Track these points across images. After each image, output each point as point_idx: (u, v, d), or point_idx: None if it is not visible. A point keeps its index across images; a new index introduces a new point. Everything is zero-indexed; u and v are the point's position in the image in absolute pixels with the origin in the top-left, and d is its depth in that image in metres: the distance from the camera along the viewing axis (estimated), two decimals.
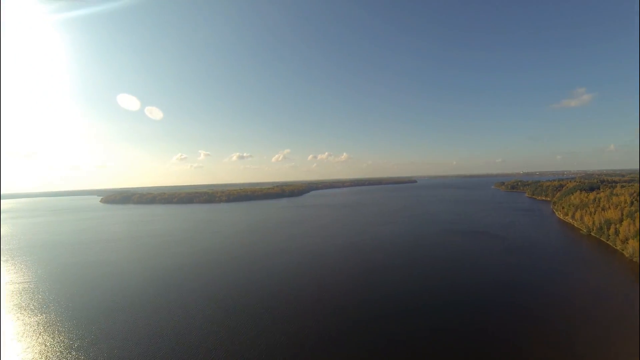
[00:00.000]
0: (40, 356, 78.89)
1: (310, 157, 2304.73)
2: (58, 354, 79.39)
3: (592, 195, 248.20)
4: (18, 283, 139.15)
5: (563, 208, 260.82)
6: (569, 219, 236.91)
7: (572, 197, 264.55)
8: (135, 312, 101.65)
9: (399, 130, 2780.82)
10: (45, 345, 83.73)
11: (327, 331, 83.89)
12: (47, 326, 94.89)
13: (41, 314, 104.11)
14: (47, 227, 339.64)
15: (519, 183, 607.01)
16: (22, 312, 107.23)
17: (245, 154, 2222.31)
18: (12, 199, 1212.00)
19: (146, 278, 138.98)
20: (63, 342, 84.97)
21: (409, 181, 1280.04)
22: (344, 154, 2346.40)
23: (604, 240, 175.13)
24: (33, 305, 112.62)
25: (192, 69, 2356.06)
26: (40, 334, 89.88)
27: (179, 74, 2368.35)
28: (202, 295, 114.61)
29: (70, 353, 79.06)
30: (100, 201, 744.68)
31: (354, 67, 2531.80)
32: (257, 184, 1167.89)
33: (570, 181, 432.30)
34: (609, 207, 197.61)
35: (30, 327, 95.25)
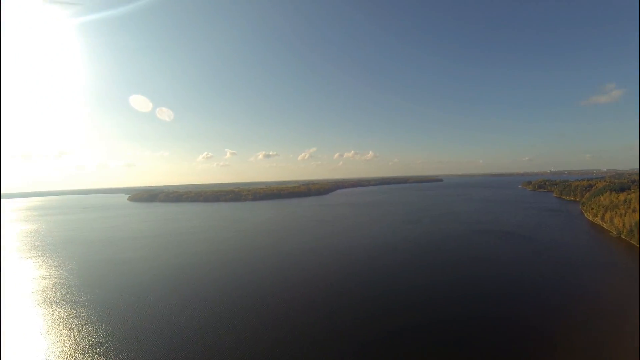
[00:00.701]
0: (70, 349, 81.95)
1: (336, 155, 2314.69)
2: (87, 347, 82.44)
3: (622, 196, 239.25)
4: (49, 278, 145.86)
5: (592, 209, 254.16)
6: (598, 221, 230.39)
7: (602, 198, 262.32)
8: (162, 309, 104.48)
9: (426, 129, 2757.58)
10: (75, 340, 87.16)
11: (354, 333, 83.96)
12: (77, 321, 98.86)
13: (71, 309, 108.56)
14: (76, 224, 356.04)
15: (547, 182, 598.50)
16: (53, 306, 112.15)
17: (271, 153, 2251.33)
18: (43, 196, 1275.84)
19: (173, 275, 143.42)
20: (92, 336, 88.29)
21: (435, 180, 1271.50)
22: (370, 152, 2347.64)
23: (634, 243, 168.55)
24: (63, 300, 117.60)
25: (216, 69, 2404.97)
26: (70, 329, 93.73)
27: (204, 75, 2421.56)
28: (227, 293, 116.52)
29: (98, 348, 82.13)
30: (128, 199, 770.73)
31: (379, 65, 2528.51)
32: (283, 182, 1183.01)
33: (599, 181, 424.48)
34: None
35: (61, 321, 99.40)
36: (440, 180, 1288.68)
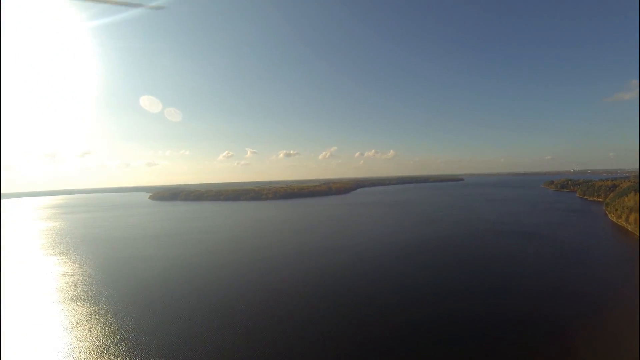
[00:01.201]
0: (92, 345, 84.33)
1: (357, 154, 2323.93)
2: (109, 343, 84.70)
3: None
4: (73, 275, 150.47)
5: (616, 210, 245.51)
6: (622, 222, 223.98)
7: (626, 199, 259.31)
8: (182, 308, 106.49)
9: (446, 127, 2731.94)
10: (97, 335, 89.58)
11: (376, 336, 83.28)
12: (99, 317, 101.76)
13: (94, 305, 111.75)
14: (99, 222, 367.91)
15: (569, 182, 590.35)
16: (77, 303, 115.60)
17: (292, 152, 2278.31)
18: (67, 194, 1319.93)
19: (194, 274, 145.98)
20: (114, 332, 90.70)
21: (456, 179, 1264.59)
22: (391, 151, 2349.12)
23: None
24: (86, 297, 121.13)
25: (236, 69, 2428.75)
26: (92, 325, 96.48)
27: (224, 75, 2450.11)
28: (246, 293, 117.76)
29: (120, 345, 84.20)
30: (149, 198, 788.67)
31: (399, 64, 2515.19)
32: (304, 181, 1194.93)
33: (624, 181, 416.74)
34: None
35: (84, 317, 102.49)
36: (461, 179, 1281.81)
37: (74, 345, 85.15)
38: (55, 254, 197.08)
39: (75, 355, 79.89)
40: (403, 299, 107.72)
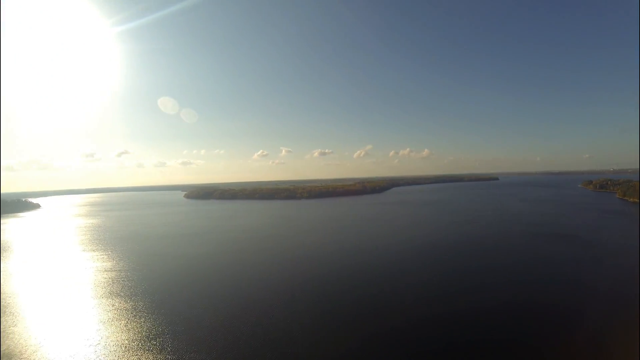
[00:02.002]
0: (128, 339, 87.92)
1: (391, 153, 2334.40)
2: (145, 339, 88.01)
3: None
4: (111, 271, 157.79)
5: None
6: None
7: None
8: (218, 306, 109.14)
9: (481, 125, 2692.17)
10: (134, 330, 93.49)
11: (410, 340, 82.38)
12: (136, 312, 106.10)
13: (131, 301, 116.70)
14: (135, 219, 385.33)
15: (609, 182, 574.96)
16: (114, 298, 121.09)
17: (327, 150, 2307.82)
18: (105, 192, 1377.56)
19: (227, 272, 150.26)
20: (149, 327, 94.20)
21: (491, 178, 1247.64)
22: (425, 149, 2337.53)
23: None
24: (123, 292, 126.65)
25: (270, 68, 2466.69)
26: (129, 319, 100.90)
27: (259, 74, 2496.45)
28: (279, 292, 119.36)
29: (155, 340, 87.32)
30: (184, 196, 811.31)
31: (432, 62, 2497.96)
32: (339, 180, 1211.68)
33: None
34: None
35: (121, 312, 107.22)
36: (496, 178, 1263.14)
37: (111, 339, 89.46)
38: (94, 250, 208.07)
39: (112, 349, 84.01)
40: (434, 304, 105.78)
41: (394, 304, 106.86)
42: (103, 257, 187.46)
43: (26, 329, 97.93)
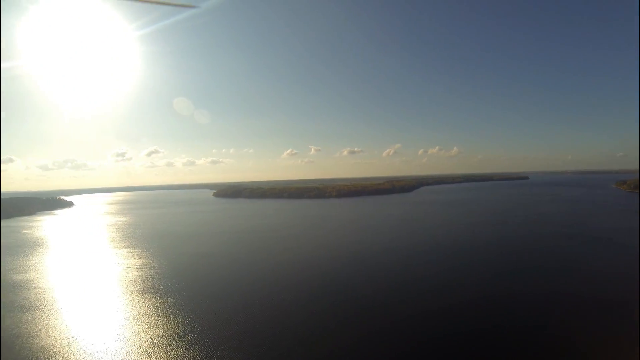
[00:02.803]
0: (158, 336, 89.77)
1: (420, 151, 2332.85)
2: (173, 336, 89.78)
3: None
4: (141, 269, 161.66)
5: None
6: None
7: None
8: (247, 305, 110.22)
9: (511, 122, 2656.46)
10: (163, 327, 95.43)
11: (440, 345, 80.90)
12: (165, 309, 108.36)
13: (161, 298, 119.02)
14: (165, 218, 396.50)
15: None
16: (144, 295, 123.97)
17: (356, 149, 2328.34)
18: (136, 191, 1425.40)
19: (256, 272, 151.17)
20: (179, 325, 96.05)
21: (520, 177, 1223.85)
22: (455, 148, 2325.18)
23: None
24: (154, 290, 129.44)
25: (299, 67, 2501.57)
26: (158, 316, 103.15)
27: (289, 73, 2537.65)
28: (308, 292, 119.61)
29: (183, 338, 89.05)
30: (213, 195, 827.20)
31: (461, 59, 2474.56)
32: (368, 178, 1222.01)
33: None
34: None
35: (151, 309, 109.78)
36: (526, 177, 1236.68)
37: (141, 335, 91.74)
38: (124, 248, 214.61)
39: (142, 345, 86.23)
40: (464, 306, 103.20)
41: (428, 306, 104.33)
42: (133, 255, 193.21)
43: (60, 324, 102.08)
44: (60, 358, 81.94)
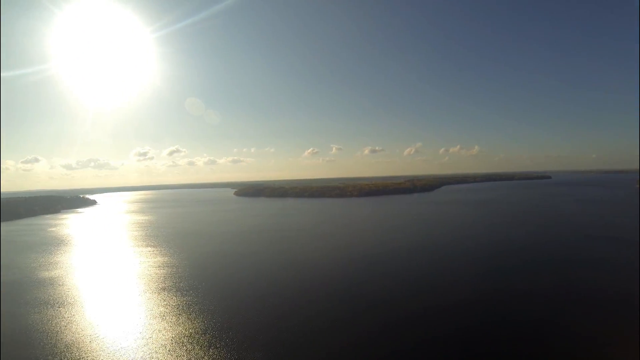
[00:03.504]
0: (178, 334, 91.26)
1: (441, 150, 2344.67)
2: (194, 334, 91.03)
3: None
4: (163, 267, 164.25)
5: None
6: None
7: None
8: (268, 305, 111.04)
9: (533, 120, 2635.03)
10: (184, 325, 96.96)
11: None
12: (186, 308, 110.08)
13: (182, 297, 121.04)
14: (187, 216, 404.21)
15: None
16: (166, 293, 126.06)
17: (377, 148, 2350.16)
18: (157, 190, 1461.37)
19: (278, 271, 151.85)
20: (199, 324, 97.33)
21: (543, 177, 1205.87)
22: (476, 146, 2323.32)
23: None
24: (175, 288, 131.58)
25: (320, 66, 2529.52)
26: (179, 315, 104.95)
27: (309, 72, 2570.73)
28: (326, 293, 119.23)
29: (204, 336, 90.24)
30: (234, 194, 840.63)
31: (483, 57, 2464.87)
32: (389, 177, 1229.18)
33: None
34: None
35: (172, 307, 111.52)
36: (549, 177, 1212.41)
37: (163, 332, 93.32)
38: (146, 246, 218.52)
39: (163, 343, 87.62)
40: (487, 309, 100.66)
41: (449, 307, 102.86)
42: (155, 253, 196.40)
43: (84, 320, 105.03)
44: (84, 354, 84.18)
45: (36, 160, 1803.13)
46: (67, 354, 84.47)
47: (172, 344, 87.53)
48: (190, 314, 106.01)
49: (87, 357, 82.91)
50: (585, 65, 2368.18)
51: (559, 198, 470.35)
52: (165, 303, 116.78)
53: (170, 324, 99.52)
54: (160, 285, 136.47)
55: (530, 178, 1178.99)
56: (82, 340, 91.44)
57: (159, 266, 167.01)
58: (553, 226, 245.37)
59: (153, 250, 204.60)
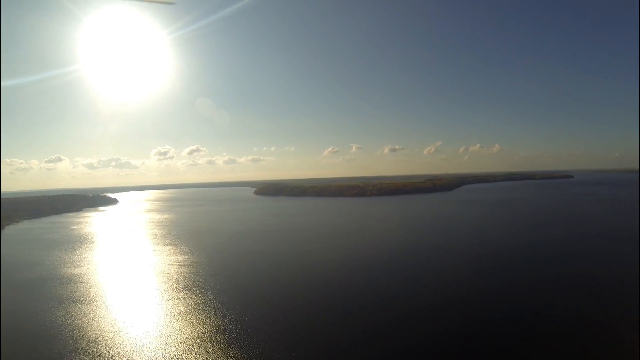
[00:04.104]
0: (197, 334, 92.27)
1: (461, 149, 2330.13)
2: (213, 333, 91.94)
3: None
4: (183, 266, 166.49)
5: None
6: None
7: None
8: (286, 304, 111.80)
9: (555, 118, 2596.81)
10: (202, 324, 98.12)
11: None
12: (205, 307, 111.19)
13: (200, 296, 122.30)
14: (207, 215, 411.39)
15: None
16: (185, 292, 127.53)
17: (397, 147, 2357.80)
18: (177, 188, 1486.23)
19: (298, 271, 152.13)
20: (218, 323, 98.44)
21: (565, 176, 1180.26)
22: (496, 145, 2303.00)
23: None
24: (195, 287, 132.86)
25: (339, 65, 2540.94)
26: (198, 314, 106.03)
27: (328, 71, 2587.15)
28: (347, 295, 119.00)
29: (223, 335, 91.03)
30: (254, 192, 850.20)
31: (500, 55, 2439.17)
32: (408, 176, 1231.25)
33: None
34: None
35: (192, 306, 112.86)
36: (570, 176, 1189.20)
37: (182, 331, 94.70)
38: (167, 245, 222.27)
39: (183, 341, 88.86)
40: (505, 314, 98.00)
41: (472, 311, 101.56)
42: (175, 251, 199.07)
43: (105, 317, 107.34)
44: (104, 351, 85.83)
45: (59, 159, 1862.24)
46: (89, 350, 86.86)
47: (191, 342, 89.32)
48: (209, 313, 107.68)
49: (108, 353, 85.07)
50: (607, 62, 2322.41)
51: (582, 198, 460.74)
52: (184, 301, 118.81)
53: (189, 322, 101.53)
54: (179, 284, 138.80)
55: (552, 177, 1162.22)
56: (103, 337, 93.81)
57: (179, 264, 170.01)
58: (577, 227, 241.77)
59: (173, 249, 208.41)
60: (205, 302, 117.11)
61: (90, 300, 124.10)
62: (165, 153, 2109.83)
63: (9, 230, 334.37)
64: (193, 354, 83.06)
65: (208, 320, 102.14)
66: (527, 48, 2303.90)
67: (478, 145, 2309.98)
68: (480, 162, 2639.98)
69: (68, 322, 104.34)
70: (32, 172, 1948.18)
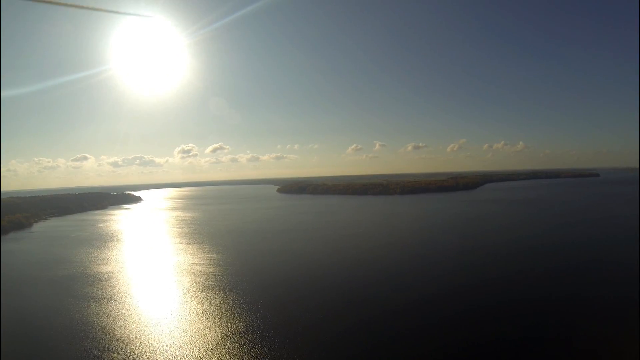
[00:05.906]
0: (221, 334, 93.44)
1: (485, 146, 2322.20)
2: (236, 333, 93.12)
3: None
4: (207, 265, 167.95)
5: None
6: None
7: None
8: (311, 305, 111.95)
9: (581, 114, 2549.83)
10: (226, 324, 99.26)
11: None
12: (230, 307, 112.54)
13: (225, 295, 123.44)
14: (230, 213, 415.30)
15: None
16: (209, 291, 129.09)
17: (420, 144, 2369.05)
18: (201, 186, 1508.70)
19: (321, 271, 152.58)
20: (241, 323, 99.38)
21: (591, 174, 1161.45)
22: (520, 142, 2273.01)
23: None
24: (219, 286, 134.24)
25: (363, 64, 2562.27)
26: (222, 313, 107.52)
27: (351, 69, 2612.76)
28: (369, 295, 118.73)
29: (246, 334, 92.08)
30: (277, 191, 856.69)
31: (523, 51, 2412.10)
32: (432, 174, 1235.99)
33: None
34: None
35: (215, 306, 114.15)
36: (597, 175, 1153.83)
37: (206, 331, 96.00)
38: (191, 243, 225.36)
39: (207, 340, 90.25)
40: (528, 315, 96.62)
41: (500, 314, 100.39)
42: (199, 250, 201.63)
43: (130, 316, 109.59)
44: (129, 350, 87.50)
45: (85, 158, 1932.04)
46: (113, 348, 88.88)
47: (215, 342, 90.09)
48: (233, 313, 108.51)
49: (133, 352, 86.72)
50: (633, 57, 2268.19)
51: (610, 199, 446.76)
52: (208, 301, 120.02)
53: (213, 322, 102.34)
54: (203, 283, 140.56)
55: (577, 176, 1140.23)
56: (128, 336, 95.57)
57: (202, 264, 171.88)
58: (607, 229, 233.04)
59: (198, 248, 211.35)
60: (229, 301, 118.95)
61: (116, 298, 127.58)
62: (188, 151, 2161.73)
63: (38, 227, 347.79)
64: (216, 354, 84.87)
65: (232, 320, 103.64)
66: (553, 45, 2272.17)
67: (502, 142, 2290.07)
68: (505, 160, 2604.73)
69: (94, 319, 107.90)
70: (59, 170, 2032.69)
